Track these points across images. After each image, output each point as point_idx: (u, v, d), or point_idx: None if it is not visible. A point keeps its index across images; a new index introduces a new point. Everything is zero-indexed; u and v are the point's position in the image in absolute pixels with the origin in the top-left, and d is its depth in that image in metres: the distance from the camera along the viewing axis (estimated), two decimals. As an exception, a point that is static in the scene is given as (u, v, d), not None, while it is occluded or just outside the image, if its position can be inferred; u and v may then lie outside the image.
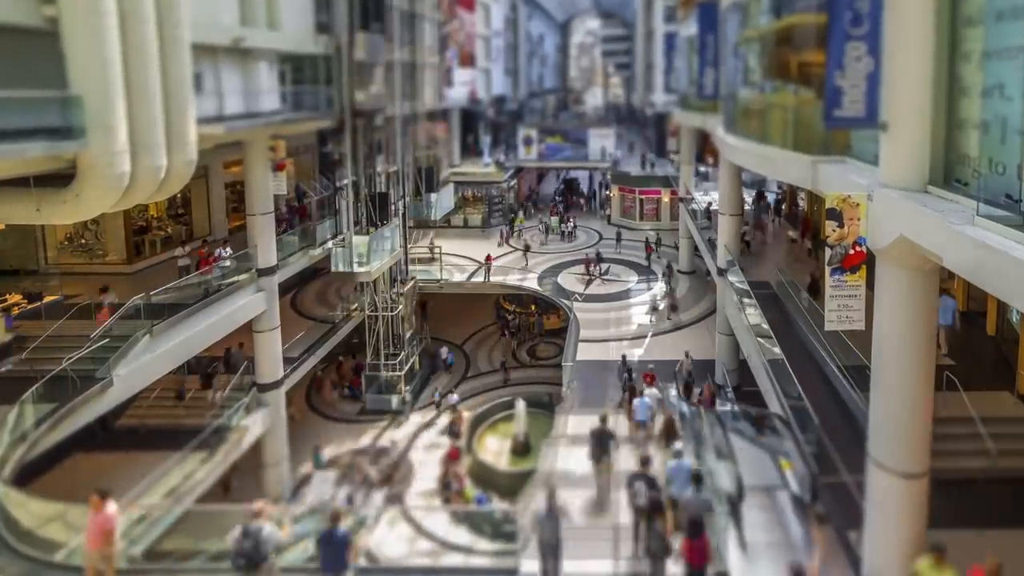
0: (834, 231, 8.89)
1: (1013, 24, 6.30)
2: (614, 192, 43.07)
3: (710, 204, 29.80)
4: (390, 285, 26.77)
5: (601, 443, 13.24)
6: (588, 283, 30.50)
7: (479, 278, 31.47)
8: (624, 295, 29.62)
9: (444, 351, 29.80)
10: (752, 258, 23.14)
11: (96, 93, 11.21)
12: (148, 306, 15.93)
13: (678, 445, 12.98)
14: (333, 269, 23.79)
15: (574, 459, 14.71)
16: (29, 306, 17.44)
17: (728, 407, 17.61)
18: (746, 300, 18.51)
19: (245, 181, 20.38)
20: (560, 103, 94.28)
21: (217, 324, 17.86)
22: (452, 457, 21.17)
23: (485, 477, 20.45)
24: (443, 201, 36.31)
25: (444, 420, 24.90)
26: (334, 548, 8.81)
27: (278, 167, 20.32)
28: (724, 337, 21.60)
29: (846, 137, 11.17)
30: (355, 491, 20.53)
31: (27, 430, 12.40)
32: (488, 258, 32.30)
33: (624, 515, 12.11)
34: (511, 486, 18.41)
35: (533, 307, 33.35)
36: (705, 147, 42.27)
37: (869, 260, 8.85)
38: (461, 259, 34.02)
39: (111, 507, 8.85)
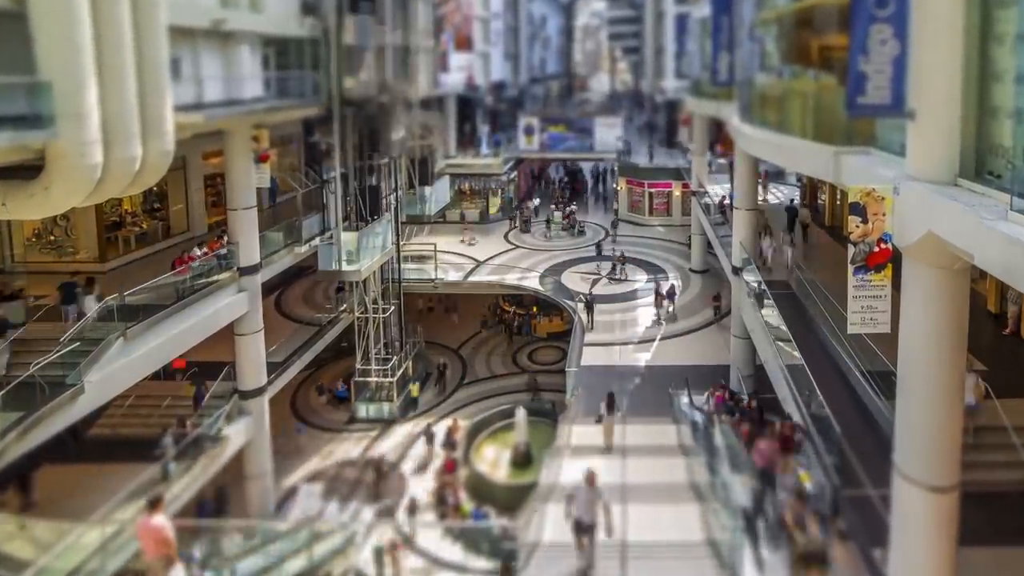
0: (857, 227, 8.86)
1: (1050, 5, 6.29)
2: (621, 185, 43.02)
3: (725, 198, 29.80)
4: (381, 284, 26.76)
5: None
6: (594, 283, 30.48)
7: (476, 277, 31.45)
8: (631, 295, 29.63)
9: None
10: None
11: (66, 79, 11.15)
12: (122, 307, 15.91)
13: None
14: (320, 268, 23.75)
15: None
16: (-6, 307, 17.40)
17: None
18: (763, 300, 18.51)
19: (226, 173, 20.35)
20: (564, 89, 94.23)
21: (196, 327, 17.85)
22: (448, 469, 21.17)
23: (483, 490, 20.44)
24: (438, 195, 36.28)
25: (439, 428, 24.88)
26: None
27: (261, 158, 20.29)
28: (739, 340, 21.60)
29: (870, 126, 11.14)
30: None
31: (-8, 440, 12.37)
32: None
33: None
34: (510, 500, 18.40)
35: (535, 308, 33.32)
36: (719, 136, 42.25)
37: (895, 258, 8.83)
38: (459, 257, 34.04)
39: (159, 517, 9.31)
